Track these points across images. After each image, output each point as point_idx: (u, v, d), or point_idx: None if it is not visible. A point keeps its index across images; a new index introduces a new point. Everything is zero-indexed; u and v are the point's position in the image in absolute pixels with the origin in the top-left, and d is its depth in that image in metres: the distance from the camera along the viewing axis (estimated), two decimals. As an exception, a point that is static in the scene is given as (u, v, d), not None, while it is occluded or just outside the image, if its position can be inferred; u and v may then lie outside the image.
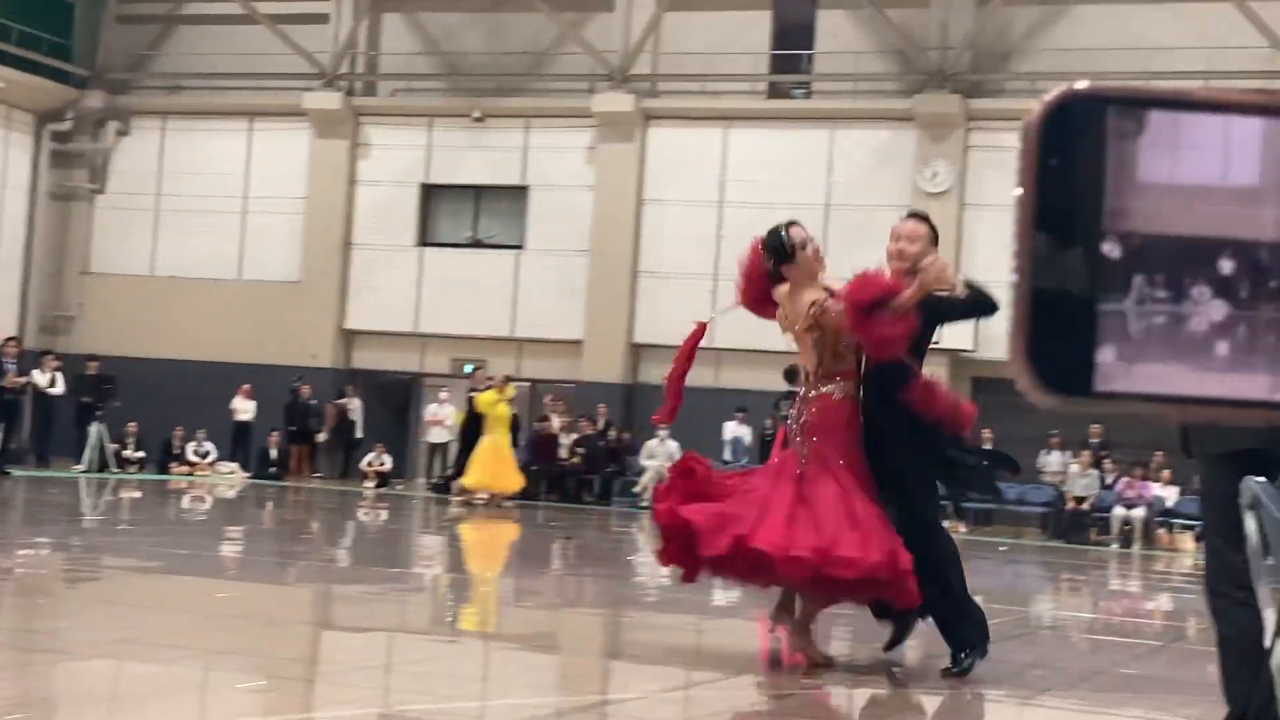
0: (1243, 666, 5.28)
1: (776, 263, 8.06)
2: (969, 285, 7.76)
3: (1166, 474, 24.74)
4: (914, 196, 28.02)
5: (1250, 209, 0.64)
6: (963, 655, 7.41)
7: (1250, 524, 4.99)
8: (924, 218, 8.15)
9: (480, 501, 23.33)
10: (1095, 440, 25.93)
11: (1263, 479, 5.00)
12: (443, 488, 25.87)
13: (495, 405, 23.81)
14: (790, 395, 21.23)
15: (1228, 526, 5.37)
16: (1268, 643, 4.88)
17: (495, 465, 23.35)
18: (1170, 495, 24.18)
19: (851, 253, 28.66)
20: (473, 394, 24.46)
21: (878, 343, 7.57)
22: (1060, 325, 0.64)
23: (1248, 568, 5.26)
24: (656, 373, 29.57)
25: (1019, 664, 8.38)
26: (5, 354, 24.11)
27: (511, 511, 22.57)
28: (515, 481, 23.78)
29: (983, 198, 27.86)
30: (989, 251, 27.73)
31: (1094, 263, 0.64)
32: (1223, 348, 0.65)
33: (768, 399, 26.98)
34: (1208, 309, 0.65)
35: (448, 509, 22.45)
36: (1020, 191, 0.65)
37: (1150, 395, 0.65)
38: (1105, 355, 0.64)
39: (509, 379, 25.09)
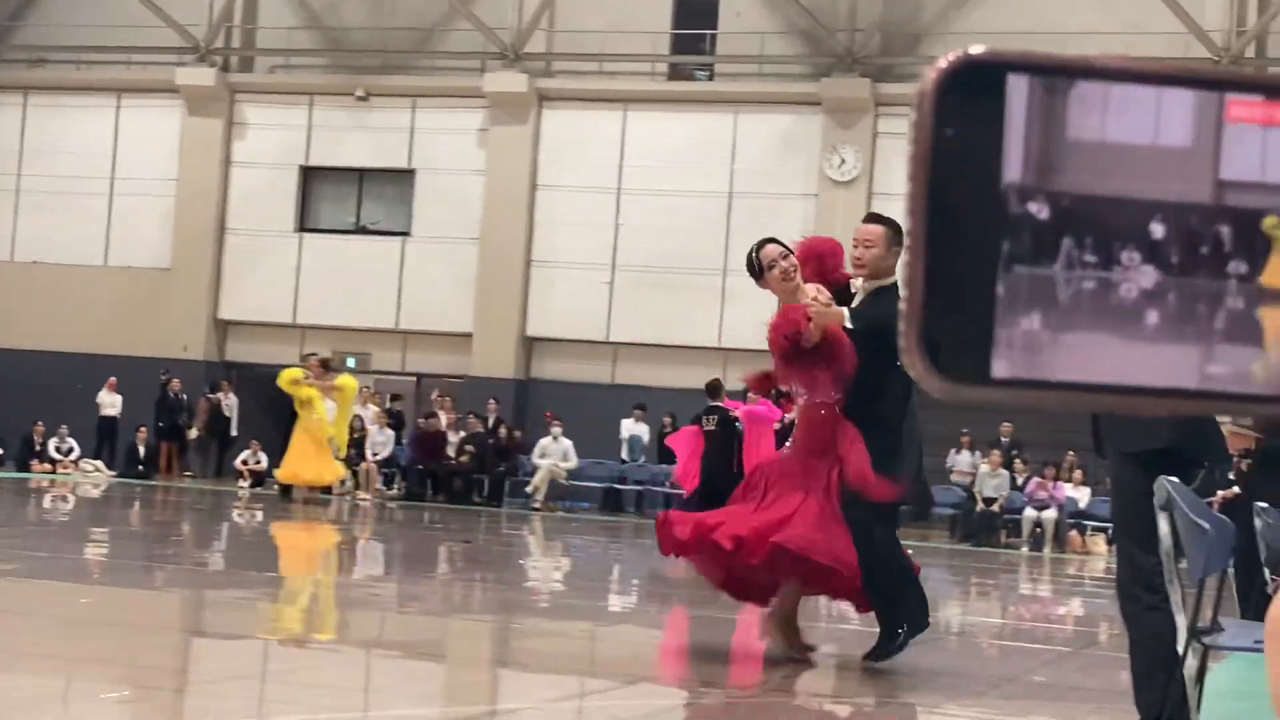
0: (1154, 673, 5.37)
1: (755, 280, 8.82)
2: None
3: (1079, 474, 25.13)
4: (821, 184, 28.22)
5: (1159, 183, 0.64)
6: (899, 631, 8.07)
7: (1163, 525, 5.09)
8: (882, 219, 8.31)
9: (311, 496, 23.01)
10: (1006, 439, 26.27)
11: (1175, 479, 5.11)
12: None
13: (298, 387, 23.10)
14: (714, 410, 21.39)
15: (1140, 528, 5.46)
16: (1180, 647, 4.97)
17: (306, 456, 22.82)
18: (1082, 496, 24.56)
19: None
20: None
21: (809, 384, 8.44)
22: (957, 308, 0.63)
23: (1160, 570, 5.36)
24: (550, 368, 29.56)
25: (926, 671, 8.46)
26: None
27: (324, 507, 22.32)
28: (330, 473, 23.35)
29: (893, 186, 28.10)
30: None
31: (992, 241, 0.63)
32: (1132, 332, 0.64)
33: (666, 396, 27.04)
34: (1116, 290, 0.64)
35: (291, 506, 22.13)
36: (913, 163, 0.64)
37: (1054, 383, 0.63)
38: (1005, 341, 0.63)
39: (326, 362, 24.39)
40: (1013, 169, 0.63)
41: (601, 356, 29.38)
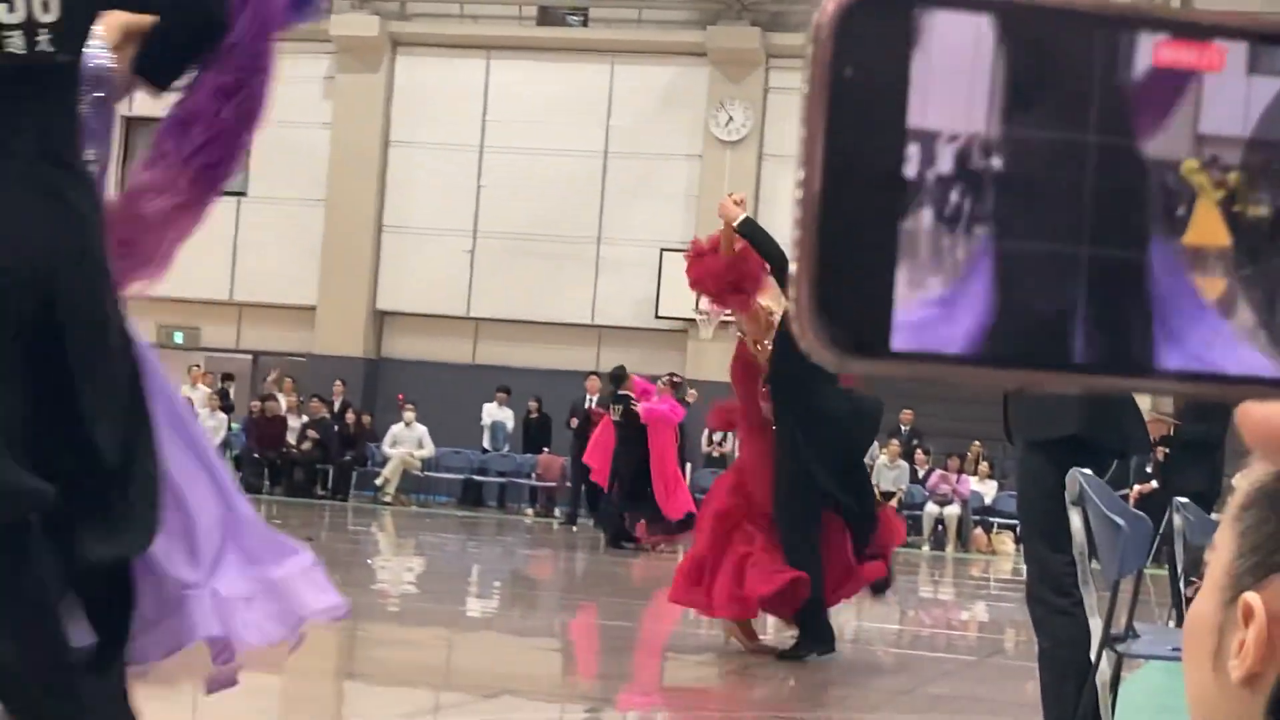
0: (1063, 683, 5.45)
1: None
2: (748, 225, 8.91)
3: (985, 467, 25.47)
4: (706, 144, 28.31)
5: (1078, 132, 0.63)
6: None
7: (1075, 521, 5.16)
8: None
9: None
10: (906, 428, 26.55)
11: (1088, 470, 5.18)
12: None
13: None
14: (622, 398, 21.43)
15: (1048, 524, 5.53)
16: (1094, 654, 5.05)
17: None
18: (989, 491, 24.90)
19: (633, 206, 28.88)
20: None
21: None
22: (853, 272, 0.61)
23: (1071, 571, 5.44)
24: (403, 346, 29.40)
25: (817, 682, 8.52)
26: None
27: None
28: None
29: (785, 147, 28.25)
30: (788, 204, 28.05)
31: (895, 198, 0.62)
32: (1050, 299, 0.63)
33: (533, 378, 27.00)
34: (1030, 253, 0.63)
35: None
36: (807, 106, 0.63)
37: (959, 356, 0.62)
38: (906, 309, 0.61)
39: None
40: (920, 115, 0.62)
41: (461, 333, 29.28)
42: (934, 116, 0.62)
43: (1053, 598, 5.53)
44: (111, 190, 4.92)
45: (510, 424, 27.38)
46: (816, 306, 0.60)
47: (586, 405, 23.79)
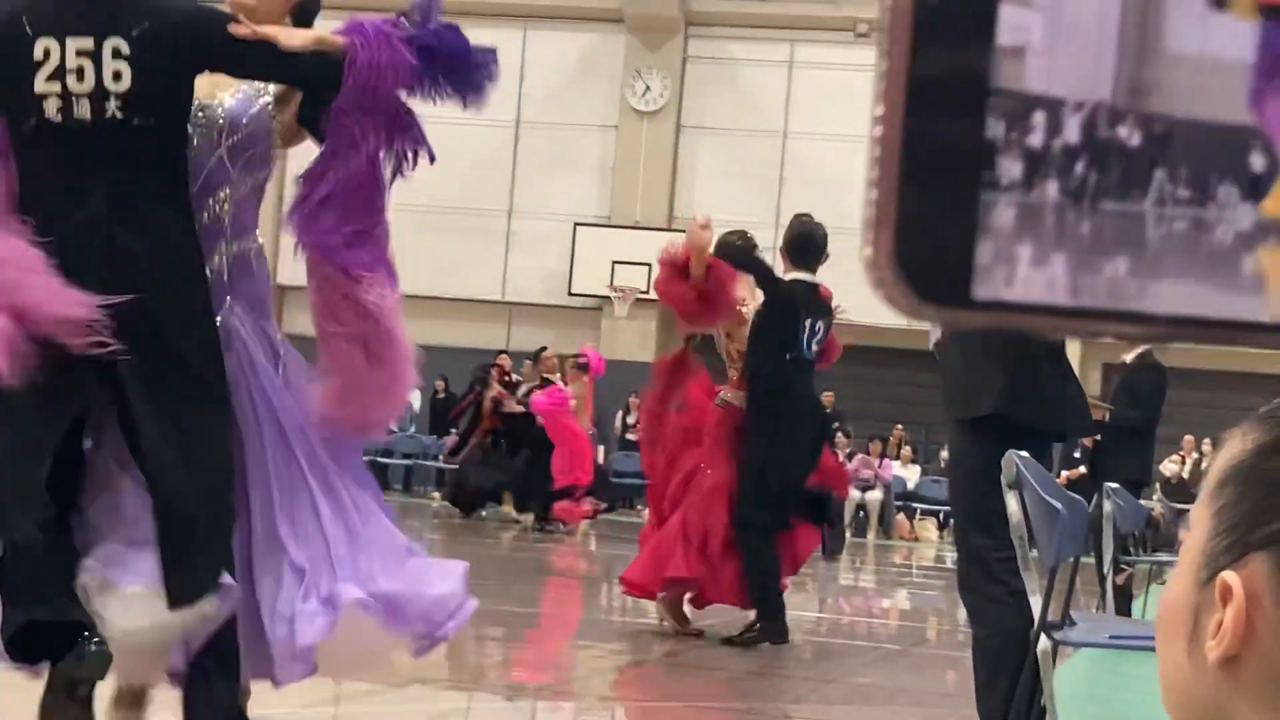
0: (997, 675, 5.42)
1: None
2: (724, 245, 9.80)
3: (907, 451, 25.59)
4: (622, 114, 28.24)
5: (1184, 77, 0.59)
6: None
7: (1012, 505, 5.13)
8: None
9: None
10: (827, 410, 26.59)
11: (1025, 454, 5.15)
12: None
13: None
14: (492, 368, 21.51)
15: (979, 508, 5.51)
16: (1031, 642, 5.02)
17: None
18: (911, 476, 25.02)
19: (546, 179, 28.74)
20: None
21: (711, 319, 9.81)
22: (935, 219, 0.58)
23: (1005, 557, 5.41)
24: (303, 322, 29.08)
25: (736, 672, 8.51)
26: None
27: None
28: None
29: (703, 118, 28.24)
30: (709, 183, 28.15)
31: (979, 141, 0.58)
32: (1132, 251, 0.59)
33: (441, 356, 26.84)
34: (1118, 203, 0.59)
35: None
36: (889, 36, 0.57)
37: (1043, 307, 0.59)
38: (989, 257, 0.58)
39: None
40: (1009, 48, 0.57)
41: (365, 309, 29.02)
42: (1025, 53, 0.58)
43: (986, 585, 5.51)
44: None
45: (417, 404, 27.21)
46: (896, 255, 0.58)
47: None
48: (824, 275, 9.72)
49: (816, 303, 9.56)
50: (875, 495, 24.86)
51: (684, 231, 29.30)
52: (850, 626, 12.19)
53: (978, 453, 5.58)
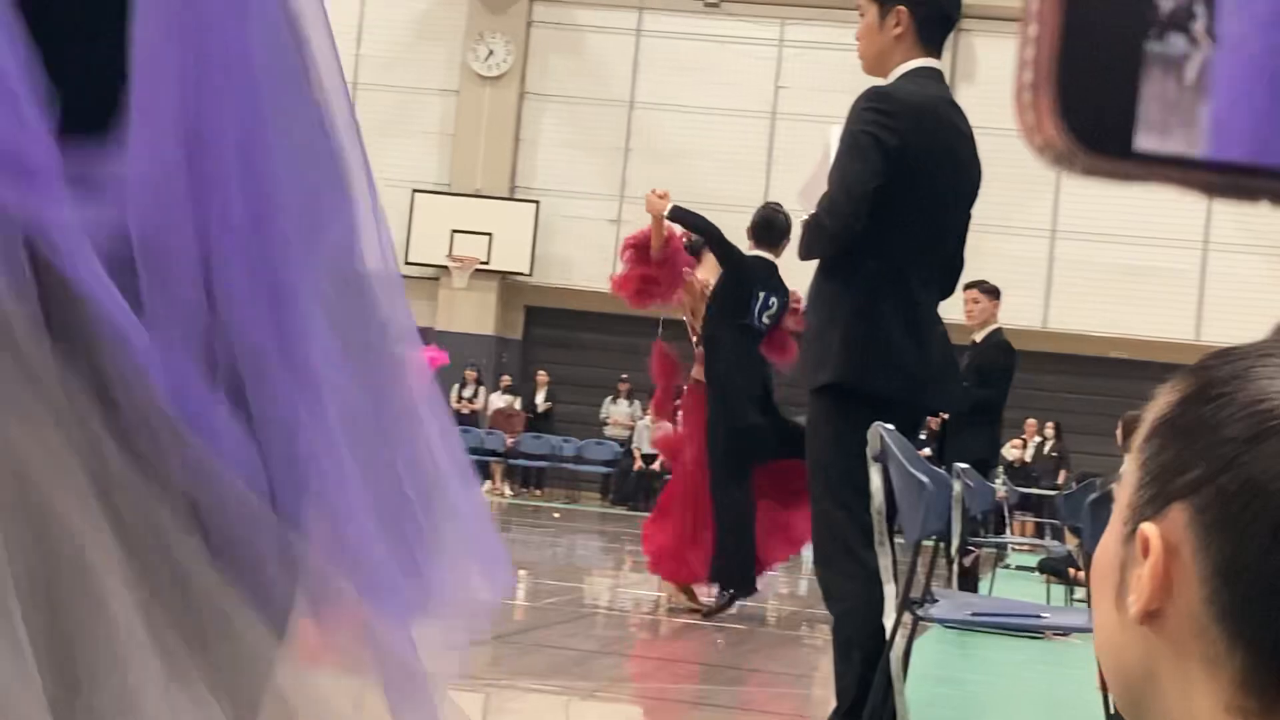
0: (852, 651, 5.45)
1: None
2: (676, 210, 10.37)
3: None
4: (464, 79, 28.07)
5: None
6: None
7: (875, 479, 5.16)
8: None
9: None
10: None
11: (891, 426, 5.18)
12: None
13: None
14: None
15: (835, 481, 5.53)
16: (889, 622, 5.06)
17: None
18: (753, 455, 25.16)
19: (383, 144, 28.51)
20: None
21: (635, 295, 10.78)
22: (1098, 63, 0.55)
23: (861, 531, 5.44)
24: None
25: (581, 652, 8.51)
26: None
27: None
28: None
29: (548, 86, 28.16)
30: (553, 152, 28.10)
31: None
32: None
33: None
34: None
35: None
36: None
37: (1211, 163, 0.57)
38: (1152, 106, 0.56)
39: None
40: None
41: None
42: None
43: (842, 561, 5.52)
44: None
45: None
46: (1057, 102, 0.54)
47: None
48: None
49: (771, 279, 10.27)
50: (717, 475, 24.97)
51: (525, 201, 29.17)
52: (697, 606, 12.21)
53: (827, 424, 5.59)
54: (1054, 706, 7.76)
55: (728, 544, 10.14)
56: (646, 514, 23.82)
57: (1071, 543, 15.51)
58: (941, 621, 4.79)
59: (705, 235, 10.34)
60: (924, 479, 4.69)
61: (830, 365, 5.51)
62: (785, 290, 10.29)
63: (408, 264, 28.04)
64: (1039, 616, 5.04)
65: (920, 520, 4.69)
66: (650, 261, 10.44)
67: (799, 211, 5.88)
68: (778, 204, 10.84)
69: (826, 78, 27.41)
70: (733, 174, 27.37)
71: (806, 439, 5.61)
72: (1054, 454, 20.80)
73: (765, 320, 10.21)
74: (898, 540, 5.41)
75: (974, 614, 5.00)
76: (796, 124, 27.46)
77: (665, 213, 10.22)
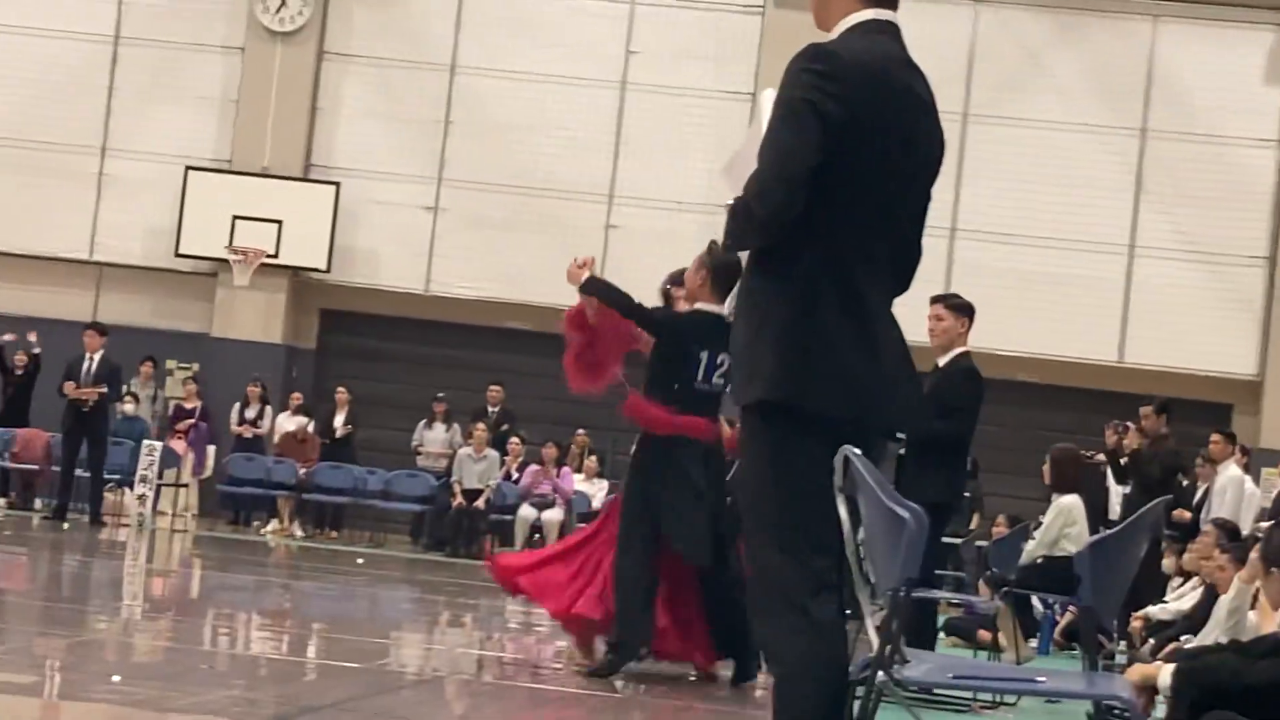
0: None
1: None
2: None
3: (592, 462, 25.69)
4: (251, 34, 27.82)
5: None
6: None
7: (842, 510, 5.12)
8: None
9: None
10: (495, 409, 26.56)
11: (858, 450, 5.14)
12: None
13: None
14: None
15: (771, 516, 5.45)
16: (857, 678, 5.02)
17: None
18: (596, 492, 25.12)
19: (149, 110, 28.11)
20: None
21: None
22: None
23: (805, 576, 5.38)
24: None
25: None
26: None
27: None
28: None
29: (352, 45, 27.98)
30: (357, 124, 27.93)
31: None
32: None
33: (10, 326, 26.06)
34: None
35: None
36: None
37: None
38: None
39: None
40: None
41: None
42: None
43: (783, 613, 5.44)
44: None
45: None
46: None
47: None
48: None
49: (715, 333, 10.78)
50: (554, 515, 24.89)
51: (323, 183, 29.08)
52: (517, 668, 12.20)
53: (759, 447, 5.51)
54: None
55: (623, 617, 10.96)
56: (466, 560, 23.79)
57: (986, 594, 15.62)
58: (921, 684, 4.75)
59: (619, 309, 11.10)
60: (903, 514, 4.66)
61: (761, 377, 5.43)
62: None
63: (178, 256, 27.72)
64: (1035, 681, 5.01)
65: (899, 564, 4.66)
66: (587, 329, 11.29)
67: (723, 192, 5.80)
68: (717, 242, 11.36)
69: (686, 41, 27.50)
70: (574, 154, 27.37)
71: (749, 463, 5.54)
72: (967, 494, 20.90)
73: (718, 380, 11.04)
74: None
75: (956, 676, 4.97)
76: (650, 96, 27.51)
77: (579, 285, 11.12)
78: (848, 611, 5.39)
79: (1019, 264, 26.40)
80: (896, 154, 5.51)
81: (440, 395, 26.42)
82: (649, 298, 11.52)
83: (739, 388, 5.60)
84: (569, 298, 11.42)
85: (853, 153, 5.42)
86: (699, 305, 11.13)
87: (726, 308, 10.94)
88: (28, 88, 27.93)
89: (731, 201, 5.58)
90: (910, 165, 5.57)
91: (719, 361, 10.90)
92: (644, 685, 10.97)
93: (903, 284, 5.73)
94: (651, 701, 10.52)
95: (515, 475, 25.65)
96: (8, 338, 25.64)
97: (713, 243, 11.37)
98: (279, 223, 27.33)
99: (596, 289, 11.12)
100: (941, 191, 5.84)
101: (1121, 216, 26.59)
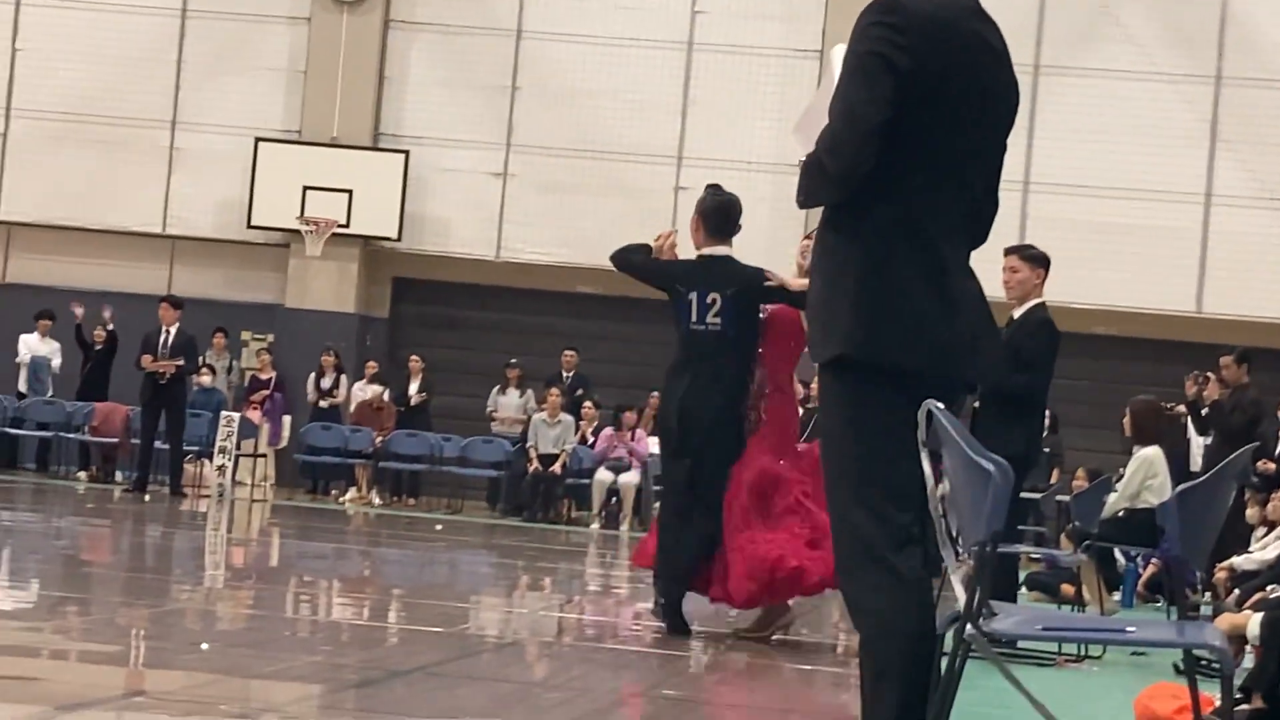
0: (884, 680, 5.36)
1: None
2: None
3: (668, 424, 25.68)
4: (316, 5, 27.87)
5: None
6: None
7: (926, 465, 5.11)
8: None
9: None
10: (569, 374, 26.61)
11: (940, 404, 5.12)
12: None
13: None
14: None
15: (851, 472, 5.44)
16: (944, 633, 5.01)
17: None
18: (672, 454, 25.11)
19: (219, 83, 28.20)
20: None
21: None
22: None
23: (888, 532, 5.37)
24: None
25: (521, 684, 8.51)
26: None
27: None
28: None
29: (417, 13, 28.05)
30: (424, 92, 28.00)
31: None
32: None
33: (86, 301, 26.23)
34: None
35: None
36: None
37: None
38: None
39: None
40: None
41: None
42: None
43: (867, 569, 5.43)
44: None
45: (57, 361, 26.56)
46: None
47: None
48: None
49: (699, 274, 11.19)
50: (630, 478, 24.94)
51: (392, 151, 29.12)
52: (598, 630, 12.24)
53: (838, 405, 5.50)
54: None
55: (661, 572, 11.23)
56: (543, 526, 23.86)
57: (1068, 548, 15.59)
58: (1009, 636, 4.73)
59: (633, 272, 11.62)
60: (988, 467, 4.64)
61: (838, 334, 5.42)
62: (735, 279, 11.16)
63: (250, 228, 27.84)
64: (1124, 631, 4.99)
65: (984, 518, 4.64)
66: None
67: (795, 150, 5.77)
68: (717, 186, 11.73)
69: (753, 1, 27.43)
70: (642, 116, 27.34)
71: (831, 416, 5.52)
72: (1047, 449, 20.88)
73: (713, 320, 11.15)
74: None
75: (1046, 628, 4.95)
76: (717, 56, 27.45)
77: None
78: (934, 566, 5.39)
79: (1094, 216, 26.26)
80: (969, 105, 5.47)
81: (513, 361, 26.48)
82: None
83: (815, 345, 5.59)
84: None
85: (925, 105, 5.39)
86: (701, 250, 11.35)
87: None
88: (98, 64, 28.07)
89: (804, 157, 5.56)
90: (984, 116, 5.54)
91: (709, 301, 11.10)
92: (727, 642, 11.00)
93: (979, 237, 5.70)
94: (731, 659, 10.52)
95: (590, 439, 25.71)
96: (78, 309, 25.80)
97: (708, 187, 11.65)
98: (349, 192, 27.40)
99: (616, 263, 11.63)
100: (1015, 145, 5.82)
101: (1197, 165, 26.43)
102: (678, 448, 11.28)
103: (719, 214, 11.35)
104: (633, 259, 11.52)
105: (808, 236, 10.59)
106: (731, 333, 11.09)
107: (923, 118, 5.39)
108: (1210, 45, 26.50)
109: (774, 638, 11.03)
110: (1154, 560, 16.38)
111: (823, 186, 5.49)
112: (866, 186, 5.39)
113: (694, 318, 11.12)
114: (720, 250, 11.28)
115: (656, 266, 11.44)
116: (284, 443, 26.99)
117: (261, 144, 27.78)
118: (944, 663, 5.07)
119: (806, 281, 10.76)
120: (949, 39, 5.43)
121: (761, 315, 11.27)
